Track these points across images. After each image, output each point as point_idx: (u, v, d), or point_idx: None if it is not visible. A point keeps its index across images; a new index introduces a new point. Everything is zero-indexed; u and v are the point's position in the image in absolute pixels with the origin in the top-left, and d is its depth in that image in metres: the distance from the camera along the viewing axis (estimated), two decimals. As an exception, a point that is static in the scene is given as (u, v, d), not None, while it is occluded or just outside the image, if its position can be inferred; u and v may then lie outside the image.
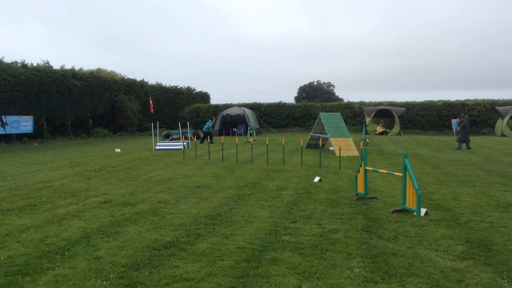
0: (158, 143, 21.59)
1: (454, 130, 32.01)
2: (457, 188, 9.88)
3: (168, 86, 42.53)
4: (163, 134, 28.03)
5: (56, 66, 30.47)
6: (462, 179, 11.15)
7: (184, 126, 27.92)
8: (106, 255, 5.39)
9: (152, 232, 6.42)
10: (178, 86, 43.82)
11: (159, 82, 41.94)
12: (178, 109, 41.10)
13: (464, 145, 20.10)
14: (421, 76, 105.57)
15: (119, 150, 20.21)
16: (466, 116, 20.77)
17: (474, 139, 26.77)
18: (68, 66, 31.23)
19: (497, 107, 32.31)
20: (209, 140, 18.19)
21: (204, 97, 47.24)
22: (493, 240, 5.89)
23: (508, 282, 4.45)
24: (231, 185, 10.44)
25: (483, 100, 34.92)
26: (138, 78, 39.05)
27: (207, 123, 25.88)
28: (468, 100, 35.73)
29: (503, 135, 29.95)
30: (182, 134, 21.11)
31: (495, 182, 10.64)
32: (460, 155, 17.40)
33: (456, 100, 36.09)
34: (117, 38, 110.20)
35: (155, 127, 22.95)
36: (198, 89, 46.75)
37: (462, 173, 12.22)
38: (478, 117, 33.78)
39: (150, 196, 9.20)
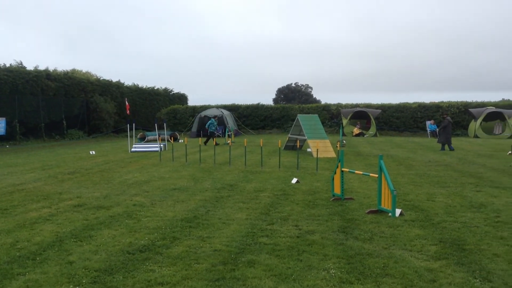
0: (134, 145, 21.33)
1: (428, 131, 32.61)
2: (431, 189, 10.05)
3: (144, 87, 42.10)
4: (139, 136, 27.72)
5: (29, 67, 29.82)
6: (436, 180, 11.35)
7: (161, 127, 27.66)
8: (79, 260, 5.28)
9: (126, 236, 6.32)
10: (155, 87, 43.42)
11: (136, 83, 41.50)
12: (155, 111, 40.69)
13: (446, 146, 20.47)
14: (396, 78, 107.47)
15: (93, 152, 19.88)
16: (448, 118, 21.20)
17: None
18: (41, 67, 30.58)
19: (470, 109, 33.05)
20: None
21: (182, 98, 46.92)
22: (466, 240, 6.00)
23: (480, 281, 4.53)
24: (208, 187, 10.38)
25: (457, 102, 35.70)
26: (114, 79, 38.56)
27: (212, 122, 24.94)
28: (442, 102, 36.46)
29: (476, 136, 30.65)
30: (159, 136, 20.88)
31: (468, 183, 10.87)
32: (434, 156, 17.72)
33: (431, 102, 36.77)
34: (90, 38, 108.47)
35: (131, 129, 22.67)
36: (175, 90, 46.45)
37: (436, 174, 12.44)
38: (452, 119, 34.43)
39: (125, 199, 9.07)
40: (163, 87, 44.85)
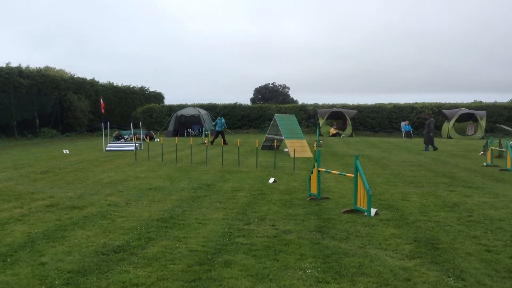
0: (109, 144, 21.00)
1: (403, 132, 33.14)
2: (405, 189, 10.20)
3: (120, 85, 41.50)
4: (114, 135, 27.31)
5: (1, 63, 29.02)
6: (411, 180, 11.53)
7: (136, 126, 27.32)
8: (52, 261, 5.15)
9: (100, 236, 6.20)
10: (130, 85, 42.85)
11: (111, 82, 40.86)
12: (130, 109, 40.15)
13: (430, 146, 20.87)
14: (372, 80, 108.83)
15: (67, 151, 19.48)
16: (431, 119, 21.60)
17: (421, 141, 27.82)
18: (13, 64, 29.79)
19: (443, 110, 33.74)
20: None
21: (158, 97, 46.41)
22: (440, 239, 6.10)
23: (454, 279, 4.61)
24: (184, 187, 10.29)
25: (431, 103, 36.42)
26: (89, 77, 37.88)
27: (220, 120, 24.23)
28: (416, 103, 37.12)
29: (449, 137, 31.30)
30: (134, 135, 20.61)
31: (442, 183, 11.07)
32: (408, 156, 18.01)
33: (405, 103, 37.39)
34: (62, 36, 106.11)
35: (105, 128, 22.31)
36: (151, 89, 45.91)
37: (410, 174, 12.64)
38: (426, 120, 35.08)
39: (99, 199, 8.90)
40: (139, 86, 44.34)
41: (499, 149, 17.03)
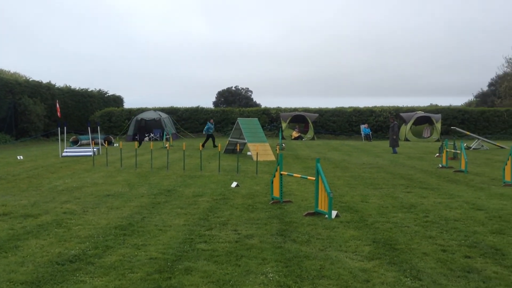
0: (65, 149, 20.36)
1: (362, 135, 33.87)
2: (365, 191, 10.40)
3: (77, 88, 40.32)
4: (71, 139, 26.52)
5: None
6: (370, 182, 11.77)
7: (94, 131, 26.64)
8: (3, 272, 4.91)
9: (56, 246, 5.97)
10: (88, 89, 41.70)
11: (68, 85, 39.67)
12: (88, 113, 39.07)
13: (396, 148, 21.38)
14: (333, 84, 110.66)
15: (21, 157, 18.73)
16: (395, 123, 22.13)
17: (380, 144, 28.54)
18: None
19: (401, 113, 34.72)
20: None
21: (117, 100, 45.38)
22: (397, 239, 6.23)
23: (411, 280, 4.71)
24: (144, 193, 10.09)
25: (389, 107, 37.46)
26: (45, 80, 36.65)
27: (209, 126, 24.19)
28: (375, 107, 38.09)
29: (406, 139, 32.21)
30: (92, 140, 20.07)
31: (399, 184, 11.36)
32: (368, 158, 18.40)
33: (365, 107, 38.30)
34: (13, 37, 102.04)
35: (62, 132, 21.63)
36: (110, 92, 44.89)
37: (369, 176, 12.90)
38: (384, 123, 36.06)
39: (54, 207, 8.58)
40: (98, 89, 43.24)
41: (453, 151, 17.65)
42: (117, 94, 46.19)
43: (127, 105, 46.02)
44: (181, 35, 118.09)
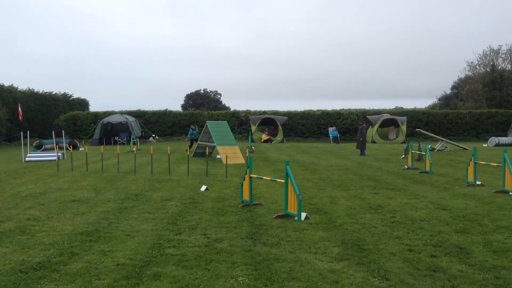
0: (28, 154, 19.74)
1: (330, 137, 34.30)
2: (333, 192, 10.51)
3: (41, 92, 39.17)
4: (34, 144, 25.73)
5: None
6: (338, 184, 11.91)
7: (59, 135, 25.95)
8: (-40, 284, 4.69)
9: (19, 253, 5.76)
10: (52, 92, 40.58)
11: (31, 88, 38.48)
12: (52, 117, 38.01)
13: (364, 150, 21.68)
14: (301, 87, 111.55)
15: (-18, 163, 18.04)
16: (364, 125, 22.46)
17: (347, 146, 28.98)
18: None
19: (367, 116, 35.36)
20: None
21: (83, 104, 44.34)
22: (366, 240, 6.32)
23: (379, 280, 4.78)
24: (111, 198, 9.87)
25: (356, 110, 38.10)
26: (7, 83, 35.44)
27: (191, 131, 24.26)
28: (343, 109, 38.63)
29: (373, 142, 32.81)
30: (57, 144, 19.54)
31: (367, 186, 11.54)
32: (336, 161, 18.63)
33: (333, 110, 38.79)
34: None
35: (25, 137, 20.97)
36: (75, 95, 43.83)
37: (338, 178, 13.06)
38: (351, 125, 36.64)
39: (17, 213, 8.29)
40: (62, 92, 42.14)
41: (418, 152, 18.10)
42: (82, 97, 45.18)
43: (93, 108, 45.09)
44: (146, 37, 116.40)
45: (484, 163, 12.28)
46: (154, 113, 38.19)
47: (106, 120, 32.92)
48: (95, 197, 9.99)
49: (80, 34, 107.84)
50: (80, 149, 26.24)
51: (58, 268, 5.19)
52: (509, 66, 47.22)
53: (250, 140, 24.65)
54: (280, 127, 34.81)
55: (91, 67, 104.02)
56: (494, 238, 6.37)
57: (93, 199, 9.74)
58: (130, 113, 36.85)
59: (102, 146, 18.10)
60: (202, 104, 65.53)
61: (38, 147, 25.53)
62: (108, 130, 33.56)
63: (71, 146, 21.13)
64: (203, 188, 10.93)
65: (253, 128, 34.77)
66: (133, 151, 17.76)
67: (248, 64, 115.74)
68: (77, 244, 6.19)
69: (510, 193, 9.88)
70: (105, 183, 12.26)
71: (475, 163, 11.25)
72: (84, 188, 11.31)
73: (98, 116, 36.45)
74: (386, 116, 34.73)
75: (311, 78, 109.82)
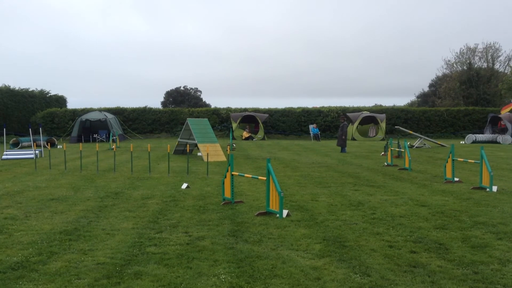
0: (5, 152, 19.32)
1: (311, 135, 34.49)
2: (314, 189, 10.57)
3: (17, 88, 38.36)
4: (11, 142, 25.19)
5: None
6: (319, 181, 11.98)
7: (36, 132, 25.46)
8: None
9: (-5, 254, 5.63)
10: (29, 88, 39.77)
11: (7, 85, 37.65)
12: (29, 114, 37.28)
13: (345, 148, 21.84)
14: (282, 84, 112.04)
15: (-45, 161, 17.58)
16: (345, 123, 22.60)
17: (328, 143, 29.19)
18: None
19: (347, 114, 35.65)
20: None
21: (60, 100, 43.54)
22: (346, 237, 6.37)
23: (360, 276, 4.82)
24: (90, 196, 9.73)
25: (336, 107, 38.37)
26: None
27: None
28: (323, 107, 38.87)
29: (353, 139, 33.11)
30: (34, 142, 19.16)
31: (347, 183, 11.64)
32: (317, 158, 18.74)
33: (313, 107, 39.00)
34: None
35: (1, 134, 20.51)
36: (53, 92, 43.04)
37: (319, 175, 13.14)
38: (332, 123, 36.91)
39: (-7, 213, 8.11)
40: (39, 89, 41.33)
41: (398, 149, 18.33)
42: (60, 94, 44.41)
43: (71, 105, 44.40)
44: (120, 33, 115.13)
45: (461, 160, 12.52)
46: (134, 110, 37.78)
47: (84, 117, 32.44)
48: (74, 196, 9.84)
49: (52, 30, 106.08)
50: (58, 146, 25.80)
51: (37, 268, 5.10)
52: (485, 65, 48.18)
53: (231, 137, 24.62)
54: (261, 125, 34.84)
55: (65, 63, 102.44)
56: (472, 233, 6.50)
57: (72, 198, 9.59)
58: (109, 110, 36.38)
59: (80, 143, 17.83)
60: (182, 101, 65.15)
61: (15, 145, 25.01)
62: (87, 128, 33.08)
63: (48, 143, 20.73)
64: (184, 186, 10.87)
65: (234, 125, 34.72)
66: (113, 148, 17.55)
67: (227, 61, 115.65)
68: (56, 243, 6.08)
69: (487, 190, 10.09)
70: (84, 181, 12.08)
71: (453, 160, 11.45)
72: (63, 187, 11.12)
73: (76, 113, 35.87)
74: (366, 113, 35.08)
75: (291, 75, 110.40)
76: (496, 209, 8.13)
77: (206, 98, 73.87)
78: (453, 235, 6.42)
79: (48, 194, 10.01)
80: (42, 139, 22.85)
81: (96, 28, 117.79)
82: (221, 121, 37.91)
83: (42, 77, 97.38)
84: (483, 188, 10.26)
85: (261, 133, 34.69)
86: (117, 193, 10.08)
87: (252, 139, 33.60)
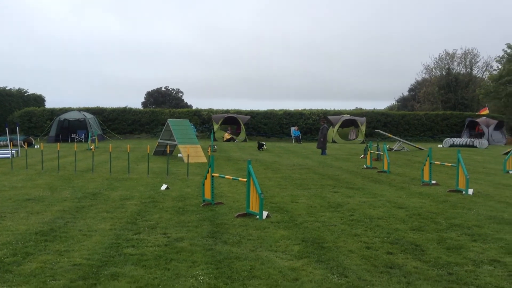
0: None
1: (292, 137, 34.64)
2: (295, 191, 10.61)
3: (-6, 87, 37.63)
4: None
5: None
6: (299, 182, 12.04)
7: (13, 132, 24.97)
8: None
9: (-33, 255, 5.50)
10: (6, 87, 38.99)
11: (-17, 82, 36.88)
12: (6, 113, 36.53)
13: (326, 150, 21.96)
14: (264, 86, 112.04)
15: None
16: (325, 125, 22.73)
17: (309, 146, 29.35)
18: None
19: (329, 116, 35.92)
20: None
21: (38, 100, 42.79)
22: (325, 238, 6.42)
23: (338, 277, 4.86)
24: (67, 197, 9.59)
25: (317, 110, 38.65)
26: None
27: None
28: (305, 110, 39.09)
29: (333, 141, 33.38)
30: (11, 141, 18.79)
31: (327, 185, 11.72)
32: (298, 160, 18.83)
33: (295, 110, 39.18)
34: None
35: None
36: (31, 91, 42.26)
37: (299, 177, 13.20)
38: (313, 125, 37.13)
39: (-34, 213, 7.91)
40: (17, 88, 40.56)
41: (377, 152, 18.55)
42: (38, 93, 43.66)
43: (49, 104, 43.63)
44: (94, 32, 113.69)
45: (439, 163, 12.73)
46: (114, 110, 37.34)
47: (63, 117, 31.94)
48: (51, 196, 9.67)
49: (28, 28, 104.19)
50: (35, 146, 25.35)
51: (11, 269, 5.00)
52: (463, 70, 49.21)
53: (212, 139, 24.55)
54: (242, 126, 34.84)
55: (42, 62, 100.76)
56: (447, 235, 6.61)
57: (48, 198, 9.42)
58: (88, 110, 35.89)
59: (58, 143, 17.53)
60: (164, 102, 64.70)
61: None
62: (65, 127, 32.57)
63: (25, 143, 20.37)
64: (164, 187, 10.79)
65: (216, 126, 34.65)
66: (91, 149, 17.31)
67: (206, 62, 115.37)
68: (32, 244, 5.97)
69: (463, 192, 10.28)
70: (61, 181, 11.88)
71: (430, 163, 11.64)
72: (39, 187, 10.92)
73: (55, 112, 35.30)
74: (346, 116, 35.41)
75: (271, 77, 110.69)
76: (472, 212, 8.29)
77: (187, 99, 73.46)
78: (429, 237, 6.52)
79: (24, 194, 9.82)
80: (19, 139, 22.40)
81: (69, 26, 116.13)
82: (203, 122, 37.78)
83: (20, 75, 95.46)
84: (459, 191, 10.45)
85: (242, 135, 34.69)
86: (95, 194, 9.95)
87: (234, 141, 33.57)
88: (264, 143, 25.08)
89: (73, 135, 31.76)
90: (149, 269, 5.04)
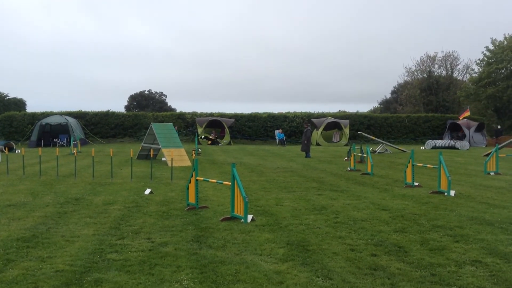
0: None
1: (277, 140, 34.72)
2: (279, 194, 10.64)
3: (-27, 91, 36.92)
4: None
5: None
6: (284, 185, 12.07)
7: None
8: None
9: None
10: (-14, 91, 38.38)
11: (-38, 86, 36.20)
12: (-14, 118, 35.93)
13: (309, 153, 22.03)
14: (247, 89, 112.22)
15: None
16: (309, 128, 22.81)
17: (293, 148, 29.42)
18: None
19: (312, 119, 36.12)
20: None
21: (19, 104, 42.25)
22: (310, 241, 6.44)
23: (322, 279, 4.89)
24: (49, 202, 9.44)
25: (301, 113, 38.84)
26: None
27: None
28: (288, 112, 39.26)
29: (317, 144, 33.54)
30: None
31: (311, 187, 11.78)
32: (282, 163, 18.87)
33: (279, 113, 39.31)
34: None
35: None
36: (11, 95, 41.62)
37: (283, 180, 13.23)
38: (297, 128, 37.28)
39: None
40: (-3, 91, 39.93)
41: (360, 155, 18.69)
42: (19, 97, 43.01)
43: (30, 109, 43.14)
44: (68, 34, 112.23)
45: (421, 165, 12.89)
46: (96, 114, 36.95)
47: (44, 121, 31.50)
48: (33, 202, 9.52)
49: (5, 31, 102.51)
50: (16, 151, 24.93)
51: (-10, 277, 4.91)
52: (444, 73, 49.96)
53: (196, 142, 24.46)
54: (227, 129, 34.80)
55: (20, 65, 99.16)
56: (430, 236, 6.70)
57: (30, 204, 9.28)
58: (70, 114, 35.44)
59: (40, 148, 17.26)
60: (147, 105, 64.23)
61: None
62: (47, 132, 32.12)
63: (6, 148, 20.00)
64: (147, 191, 10.71)
65: (200, 130, 34.53)
66: (74, 153, 17.09)
67: (185, 65, 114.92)
68: (13, 251, 5.87)
69: (445, 194, 10.43)
70: (43, 186, 11.71)
71: (413, 165, 11.78)
72: (21, 192, 10.74)
73: (36, 117, 34.79)
74: (330, 119, 35.65)
75: (252, 81, 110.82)
76: (454, 213, 8.41)
77: (171, 102, 73.04)
78: (412, 238, 6.60)
79: (5, 200, 9.65)
80: (-1, 143, 22.03)
81: (48, 29, 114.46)
82: (187, 125, 37.62)
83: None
84: (442, 193, 10.60)
85: (227, 138, 34.64)
86: (77, 199, 9.82)
87: (218, 144, 33.50)
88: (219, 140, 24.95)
89: (55, 140, 31.34)
90: (133, 275, 5.00)
